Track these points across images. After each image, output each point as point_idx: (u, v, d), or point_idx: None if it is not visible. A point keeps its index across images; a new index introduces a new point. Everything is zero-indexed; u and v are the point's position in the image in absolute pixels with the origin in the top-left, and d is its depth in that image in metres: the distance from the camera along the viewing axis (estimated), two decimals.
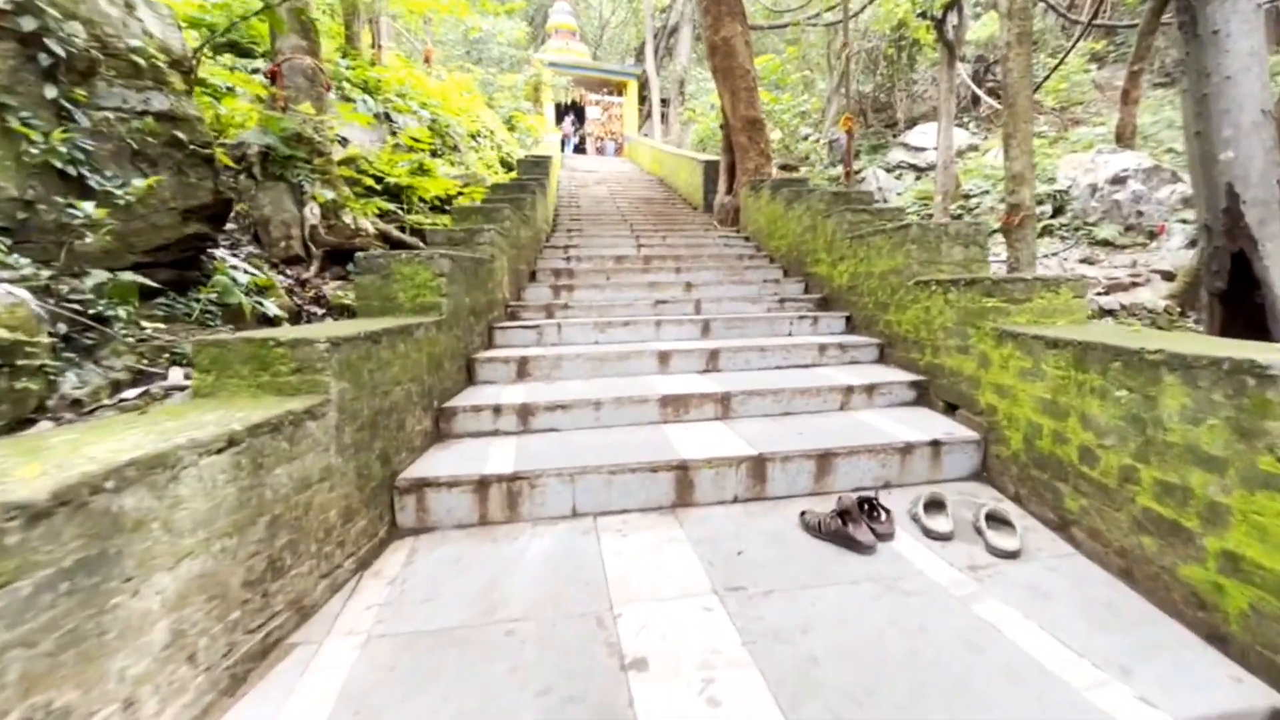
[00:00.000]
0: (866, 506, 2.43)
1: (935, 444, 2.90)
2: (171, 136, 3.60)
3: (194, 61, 3.95)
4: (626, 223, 8.87)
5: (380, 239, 5.86)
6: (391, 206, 6.25)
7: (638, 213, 10.17)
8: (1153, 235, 13.46)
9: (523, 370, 3.85)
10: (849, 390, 3.51)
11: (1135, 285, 9.88)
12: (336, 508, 2.03)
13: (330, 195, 5.41)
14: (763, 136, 8.40)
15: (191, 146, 3.70)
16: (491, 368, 3.83)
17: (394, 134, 11.55)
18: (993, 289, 2.88)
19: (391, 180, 6.64)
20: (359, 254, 3.37)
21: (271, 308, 4.08)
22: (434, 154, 12.51)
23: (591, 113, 24.24)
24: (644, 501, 2.65)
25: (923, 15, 15.00)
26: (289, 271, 4.90)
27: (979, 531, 2.37)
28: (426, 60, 13.89)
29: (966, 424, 3.08)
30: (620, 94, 24.38)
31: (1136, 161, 16.08)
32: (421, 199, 7.85)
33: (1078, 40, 20.94)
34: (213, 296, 3.76)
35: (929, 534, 2.40)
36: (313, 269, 5.06)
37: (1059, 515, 2.40)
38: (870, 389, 3.53)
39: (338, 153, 6.67)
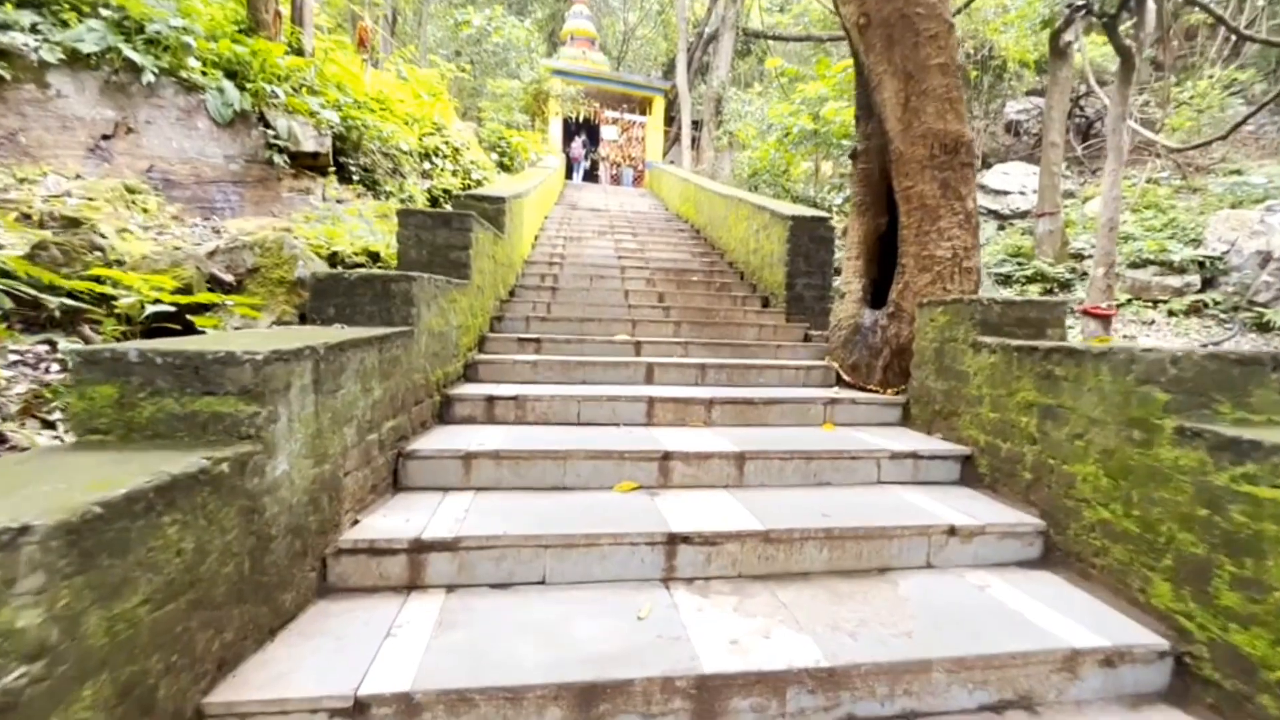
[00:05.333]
0: None
1: None
2: None
3: None
4: (633, 355, 3.85)
5: None
6: None
7: (659, 311, 5.19)
8: None
9: None
10: None
11: None
12: None
13: None
14: (969, 183, 3.41)
15: None
16: None
17: (270, 146, 6.75)
18: None
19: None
20: None
21: None
22: (343, 179, 7.66)
23: (608, 133, 19.44)
24: None
25: (1085, 11, 10.04)
26: None
27: None
28: (361, 44, 9.11)
29: None
30: (643, 112, 19.57)
31: None
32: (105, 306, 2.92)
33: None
34: None
35: None
36: None
37: None
38: None
39: None
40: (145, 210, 5.51)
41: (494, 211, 4.94)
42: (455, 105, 11.77)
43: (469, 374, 3.54)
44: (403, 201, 8.39)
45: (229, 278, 3.28)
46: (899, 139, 3.41)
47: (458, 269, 3.62)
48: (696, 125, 19.33)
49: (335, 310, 2.51)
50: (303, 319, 3.24)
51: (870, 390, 3.58)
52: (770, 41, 20.04)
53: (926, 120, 3.33)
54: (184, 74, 6.49)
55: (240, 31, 7.55)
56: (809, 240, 5.30)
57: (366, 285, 2.51)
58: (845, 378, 3.75)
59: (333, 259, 4.35)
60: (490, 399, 3.02)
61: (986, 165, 19.64)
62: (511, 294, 5.44)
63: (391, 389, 2.34)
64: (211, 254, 3.43)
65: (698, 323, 4.84)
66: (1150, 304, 13.19)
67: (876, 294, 3.89)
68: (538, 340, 4.05)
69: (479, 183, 10.00)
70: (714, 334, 4.74)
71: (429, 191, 9.08)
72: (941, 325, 3.03)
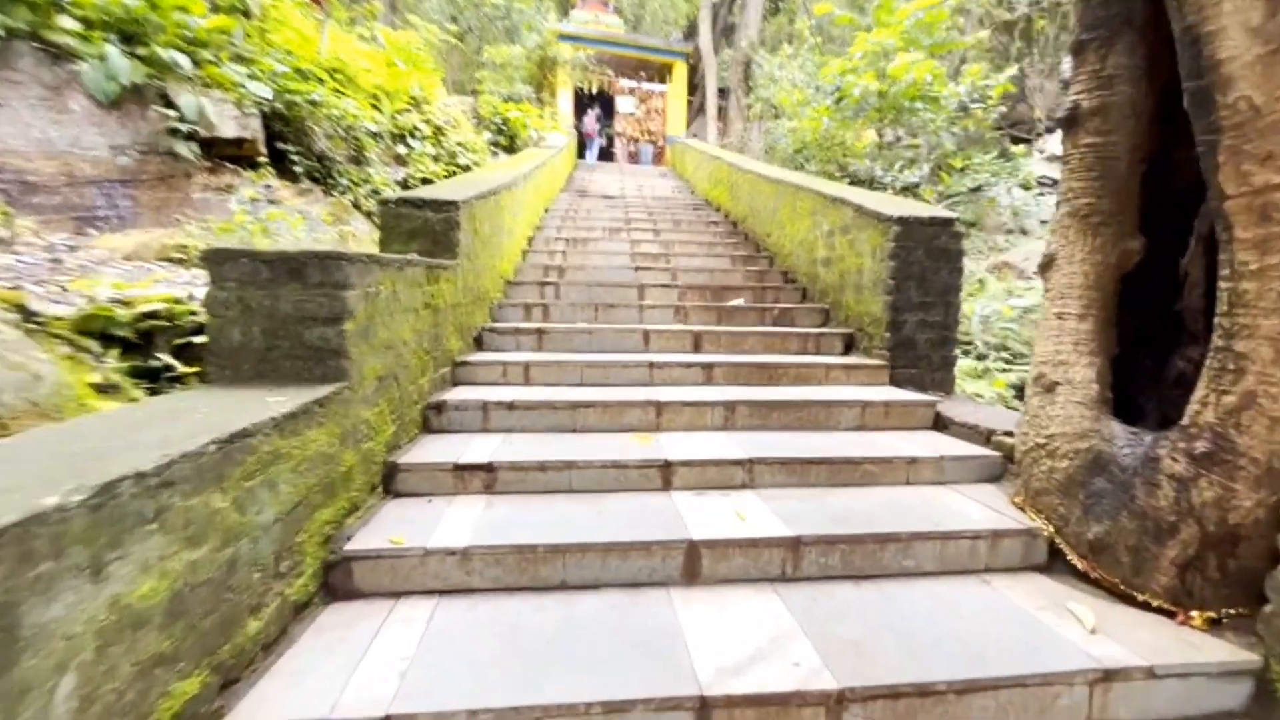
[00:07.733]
0: None
1: None
2: None
3: None
4: (659, 487, 2.08)
5: None
6: None
7: (697, 371, 3.40)
8: None
9: None
10: None
11: None
12: None
13: None
14: None
15: None
16: None
17: (175, 132, 5.05)
18: None
19: None
20: None
21: None
22: (284, 171, 5.91)
23: (624, 105, 17.29)
24: None
25: None
26: None
27: None
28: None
29: None
30: (663, 80, 17.35)
31: None
32: None
33: None
34: None
35: None
36: None
37: None
38: None
39: None
40: None
41: (440, 225, 3.14)
42: (442, 75, 9.87)
43: (333, 584, 1.78)
44: (366, 197, 6.61)
45: None
46: (1250, 79, 1.50)
47: (322, 360, 1.85)
48: (723, 93, 17.10)
49: None
50: None
51: (1142, 603, 1.74)
52: None
53: None
54: (50, 37, 4.77)
55: None
56: (925, 254, 3.40)
57: None
58: (1076, 562, 1.89)
59: (140, 329, 2.53)
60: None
61: (1047, 130, 17.11)
62: (478, 342, 3.66)
63: None
64: None
65: (759, 399, 3.00)
66: None
67: (1122, 389, 2.01)
68: (489, 468, 2.26)
69: (466, 168, 8.17)
70: (788, 420, 2.91)
71: (403, 182, 7.29)
72: None
